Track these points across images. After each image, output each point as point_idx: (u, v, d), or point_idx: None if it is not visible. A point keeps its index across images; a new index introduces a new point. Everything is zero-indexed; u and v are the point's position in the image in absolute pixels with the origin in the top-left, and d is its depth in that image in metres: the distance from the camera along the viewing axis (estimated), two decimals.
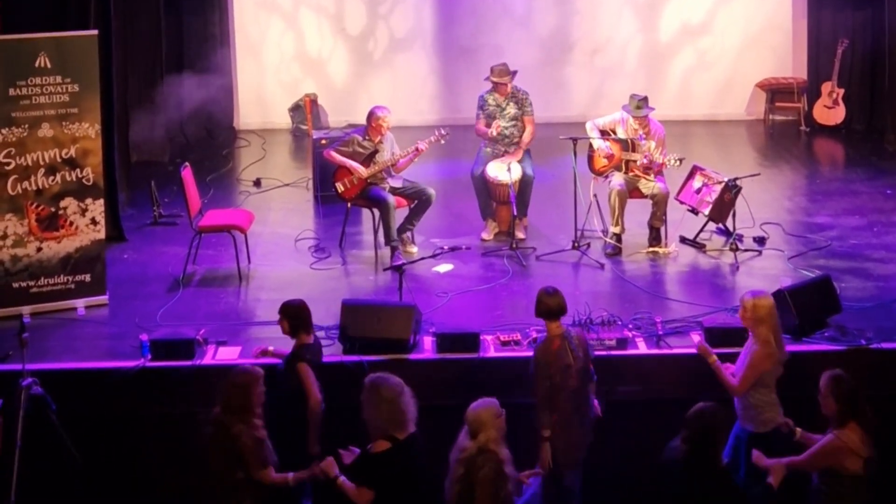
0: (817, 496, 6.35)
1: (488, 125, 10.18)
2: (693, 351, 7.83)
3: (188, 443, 7.48)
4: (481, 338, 7.90)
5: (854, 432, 6.16)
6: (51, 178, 8.59)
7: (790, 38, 14.00)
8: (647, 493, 7.11)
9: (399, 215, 9.75)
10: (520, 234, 9.99)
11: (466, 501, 5.99)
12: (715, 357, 6.89)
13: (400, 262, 8.78)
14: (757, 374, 6.70)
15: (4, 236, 8.54)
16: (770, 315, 6.80)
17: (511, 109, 10.15)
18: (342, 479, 6.14)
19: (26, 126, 8.47)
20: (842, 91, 13.34)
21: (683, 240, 9.94)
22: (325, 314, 8.39)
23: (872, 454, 6.21)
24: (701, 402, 6.18)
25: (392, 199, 9.68)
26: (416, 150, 9.77)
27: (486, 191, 10.16)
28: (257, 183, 11.87)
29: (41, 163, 8.55)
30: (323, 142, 10.99)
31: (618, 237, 9.77)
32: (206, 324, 8.29)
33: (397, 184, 9.86)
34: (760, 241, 9.87)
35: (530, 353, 7.58)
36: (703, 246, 9.85)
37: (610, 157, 9.95)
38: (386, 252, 9.64)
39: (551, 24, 14.00)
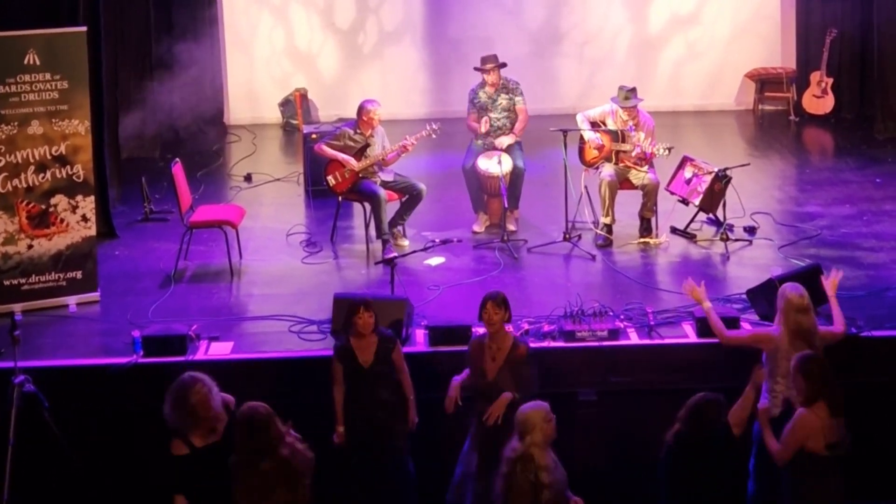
0: (785, 480, 6.39)
1: (479, 119, 10.20)
2: (685, 341, 7.88)
3: None
4: (473, 330, 7.89)
5: (821, 411, 6.18)
6: (41, 175, 8.58)
7: (779, 28, 14.02)
8: (640, 482, 7.14)
9: (390, 209, 9.75)
10: (511, 227, 10.00)
11: (507, 501, 6.00)
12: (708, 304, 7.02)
13: (391, 256, 8.78)
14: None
15: None
16: (787, 309, 6.76)
17: (503, 101, 10.16)
18: None
19: (16, 123, 8.45)
20: (831, 80, 13.36)
21: (674, 230, 9.96)
22: (316, 308, 8.42)
23: (840, 437, 6.21)
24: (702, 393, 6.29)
25: (383, 193, 9.68)
26: (403, 146, 9.75)
27: (478, 183, 10.16)
28: (248, 178, 11.86)
29: (31, 160, 8.53)
30: (314, 136, 10.99)
31: (608, 228, 9.79)
32: (199, 319, 8.29)
33: (388, 178, 9.86)
34: (751, 230, 9.90)
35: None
36: (694, 236, 9.87)
37: (600, 148, 9.96)
38: (377, 246, 9.64)
39: (541, 15, 14.00)
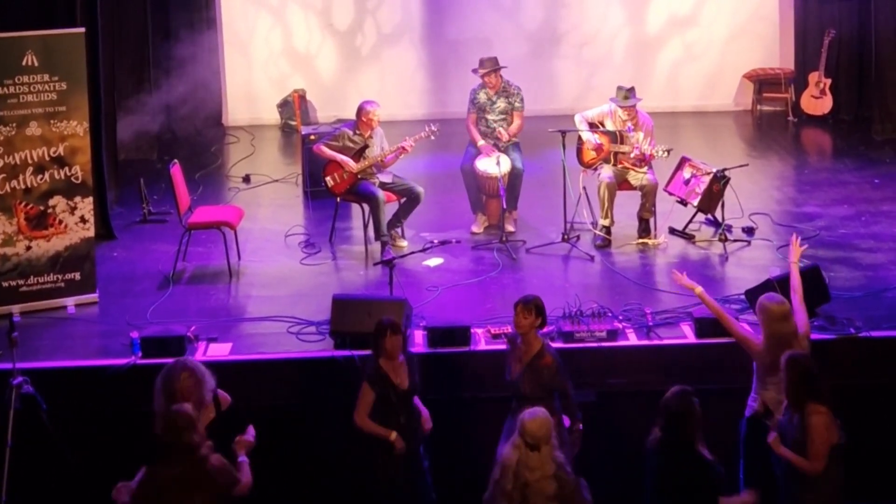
0: (786, 482, 6.38)
1: (478, 119, 10.19)
2: (684, 342, 7.88)
3: None
4: (472, 331, 7.90)
5: (821, 407, 6.18)
6: (39, 176, 8.57)
7: (777, 29, 14.03)
8: (639, 483, 7.13)
9: (388, 210, 9.75)
10: (509, 228, 10.00)
11: None
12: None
13: (390, 257, 8.78)
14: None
15: None
16: (766, 320, 6.75)
17: (501, 103, 10.16)
18: None
19: (14, 125, 8.45)
20: (829, 81, 13.36)
21: (673, 231, 9.96)
22: (315, 309, 8.41)
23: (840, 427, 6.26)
24: (672, 388, 6.22)
25: (382, 194, 9.67)
26: (401, 148, 9.75)
27: (476, 184, 10.17)
28: (246, 179, 11.86)
29: (29, 161, 8.53)
30: (312, 137, 10.99)
31: (607, 229, 9.79)
32: (197, 320, 8.29)
33: (386, 179, 9.86)
34: (749, 231, 9.90)
35: None
36: (693, 237, 9.87)
37: (598, 149, 9.97)
38: (376, 247, 9.64)
39: (539, 16, 14.00)
